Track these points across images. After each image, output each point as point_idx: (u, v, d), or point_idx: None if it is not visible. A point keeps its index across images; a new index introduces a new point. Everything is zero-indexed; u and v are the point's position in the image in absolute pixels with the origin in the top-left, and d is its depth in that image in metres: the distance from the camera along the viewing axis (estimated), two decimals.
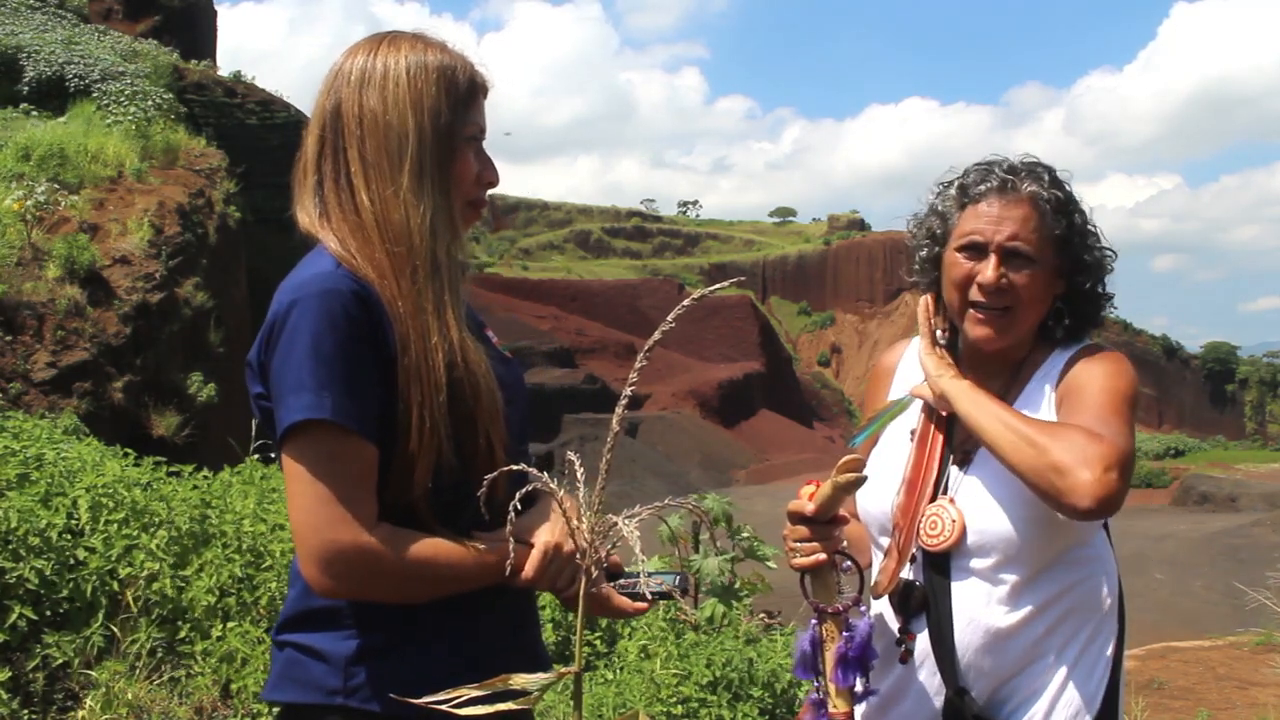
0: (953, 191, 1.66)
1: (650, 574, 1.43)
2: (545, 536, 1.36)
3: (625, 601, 1.43)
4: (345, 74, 1.40)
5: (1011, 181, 1.60)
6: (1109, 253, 1.66)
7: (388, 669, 1.30)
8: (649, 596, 1.33)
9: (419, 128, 1.37)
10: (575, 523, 1.22)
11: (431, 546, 1.30)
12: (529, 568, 1.35)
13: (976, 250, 1.60)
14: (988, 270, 1.58)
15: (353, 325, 1.28)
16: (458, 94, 1.40)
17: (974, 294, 1.60)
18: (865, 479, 1.42)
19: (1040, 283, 1.60)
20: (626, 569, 1.48)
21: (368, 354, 1.29)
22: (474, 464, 1.30)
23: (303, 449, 1.27)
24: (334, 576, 1.26)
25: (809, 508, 1.47)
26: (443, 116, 1.38)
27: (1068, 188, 1.64)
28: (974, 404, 1.54)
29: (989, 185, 1.61)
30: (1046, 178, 1.62)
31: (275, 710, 1.48)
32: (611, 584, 1.44)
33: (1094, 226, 1.65)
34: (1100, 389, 1.53)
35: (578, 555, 1.23)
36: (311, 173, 1.41)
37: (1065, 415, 1.54)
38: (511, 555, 1.27)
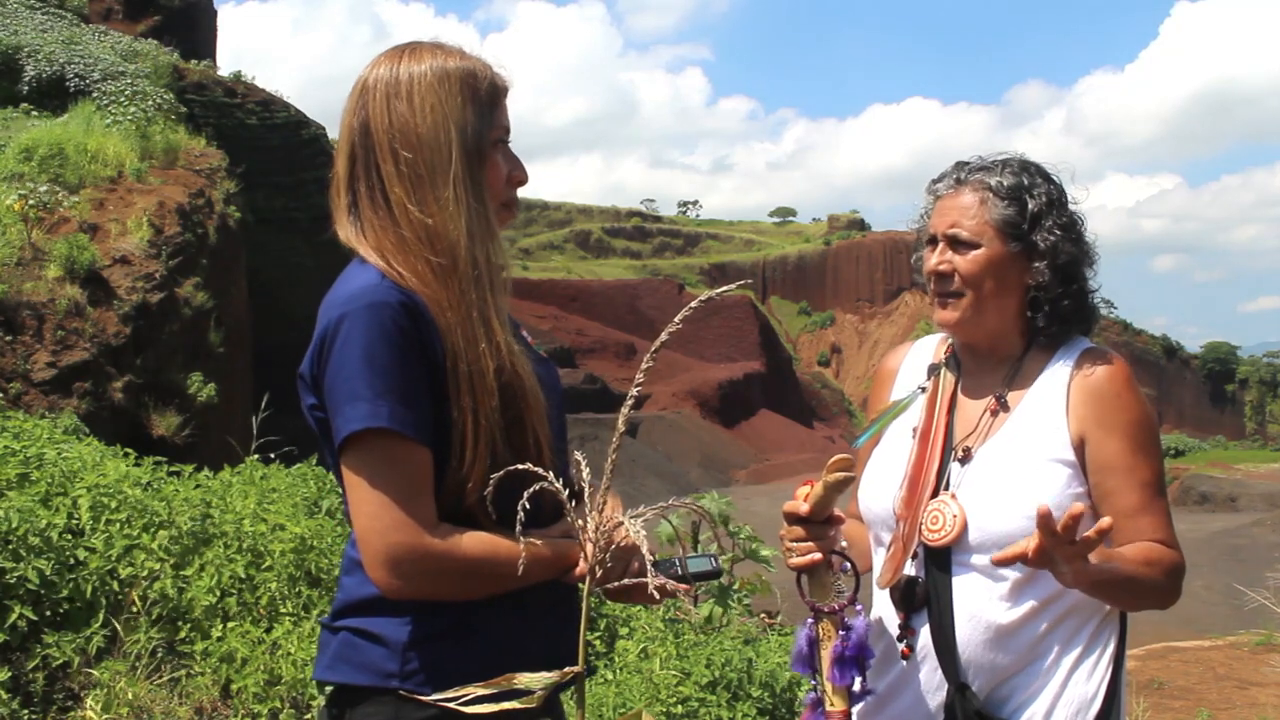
0: (926, 193, 1.75)
1: (686, 558, 1.48)
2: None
3: (667, 583, 1.44)
4: (370, 89, 1.42)
5: (962, 175, 1.68)
6: (1083, 242, 1.65)
7: (444, 656, 1.34)
8: (681, 575, 1.37)
9: (449, 138, 1.39)
10: (616, 520, 1.25)
11: (490, 545, 1.34)
12: (582, 562, 1.38)
13: (934, 242, 1.68)
14: (933, 257, 1.67)
15: (402, 335, 1.31)
16: (481, 99, 1.43)
17: (931, 283, 1.68)
18: (854, 478, 1.45)
19: (986, 266, 1.63)
20: (655, 557, 1.51)
21: (418, 362, 1.32)
22: (526, 463, 1.32)
23: (362, 457, 1.31)
24: (400, 577, 1.30)
25: (803, 508, 1.50)
26: (470, 124, 1.41)
27: (1034, 178, 1.65)
28: (1112, 581, 1.50)
29: (946, 181, 1.69)
30: (1005, 168, 1.65)
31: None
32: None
33: (1067, 218, 1.65)
34: (1135, 448, 1.57)
35: (605, 551, 1.25)
36: (345, 191, 1.43)
37: (1102, 468, 1.57)
38: (516, 551, 1.29)
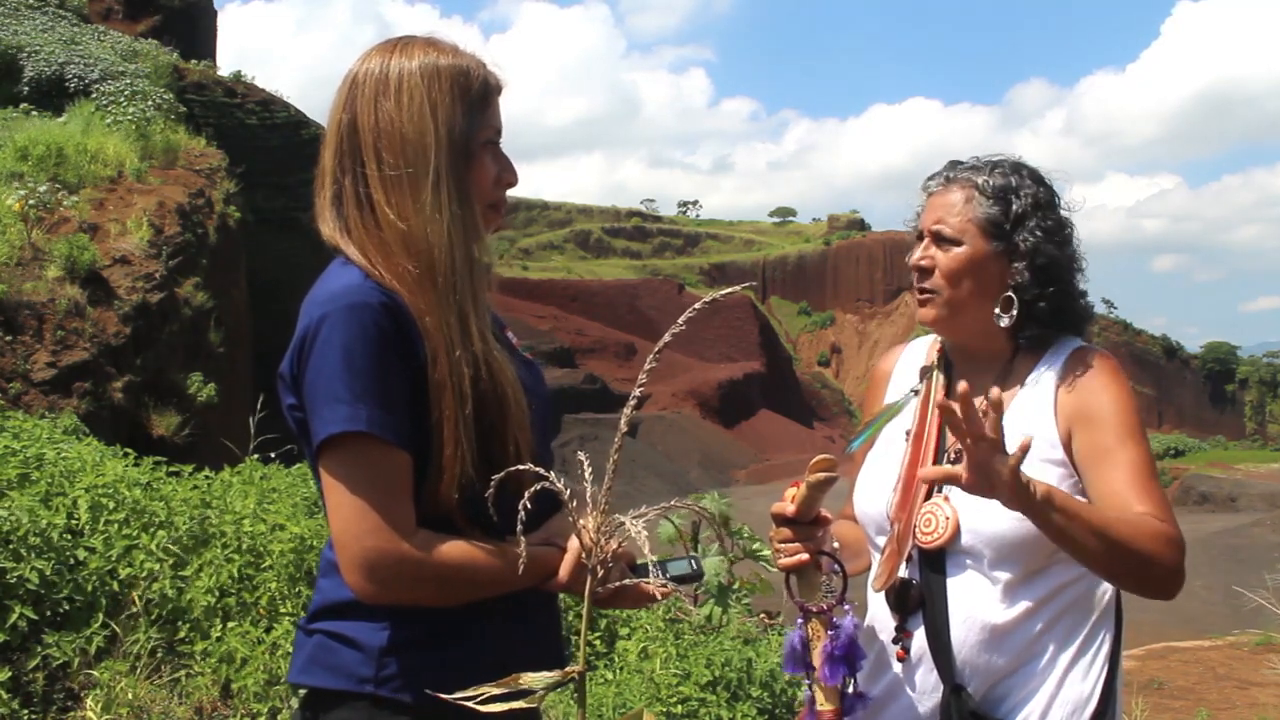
0: (920, 190, 1.76)
1: (667, 561, 1.47)
2: (577, 539, 1.37)
3: (650, 587, 1.43)
4: (359, 84, 1.39)
5: (951, 174, 1.69)
6: (1068, 246, 1.65)
7: (420, 662, 1.32)
8: (664, 581, 1.36)
9: (436, 138, 1.36)
10: (618, 521, 1.24)
11: (469, 552, 1.33)
12: (563, 570, 1.38)
13: (920, 239, 1.70)
14: (915, 252, 1.69)
15: (383, 337, 1.29)
16: (472, 99, 1.40)
17: (914, 279, 1.70)
18: (837, 478, 1.45)
19: (966, 264, 1.63)
20: (639, 561, 1.50)
21: (398, 364, 1.30)
22: (503, 470, 1.31)
23: (340, 460, 1.29)
24: (376, 583, 1.28)
25: (790, 509, 1.50)
26: (459, 124, 1.38)
27: (1024, 180, 1.65)
28: (1067, 518, 1.41)
29: (937, 179, 1.71)
30: (996, 169, 1.66)
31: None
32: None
33: (1053, 221, 1.65)
34: (1121, 434, 1.54)
35: (592, 554, 1.25)
36: (330, 185, 1.40)
37: (1087, 456, 1.55)
38: (495, 559, 1.30)
